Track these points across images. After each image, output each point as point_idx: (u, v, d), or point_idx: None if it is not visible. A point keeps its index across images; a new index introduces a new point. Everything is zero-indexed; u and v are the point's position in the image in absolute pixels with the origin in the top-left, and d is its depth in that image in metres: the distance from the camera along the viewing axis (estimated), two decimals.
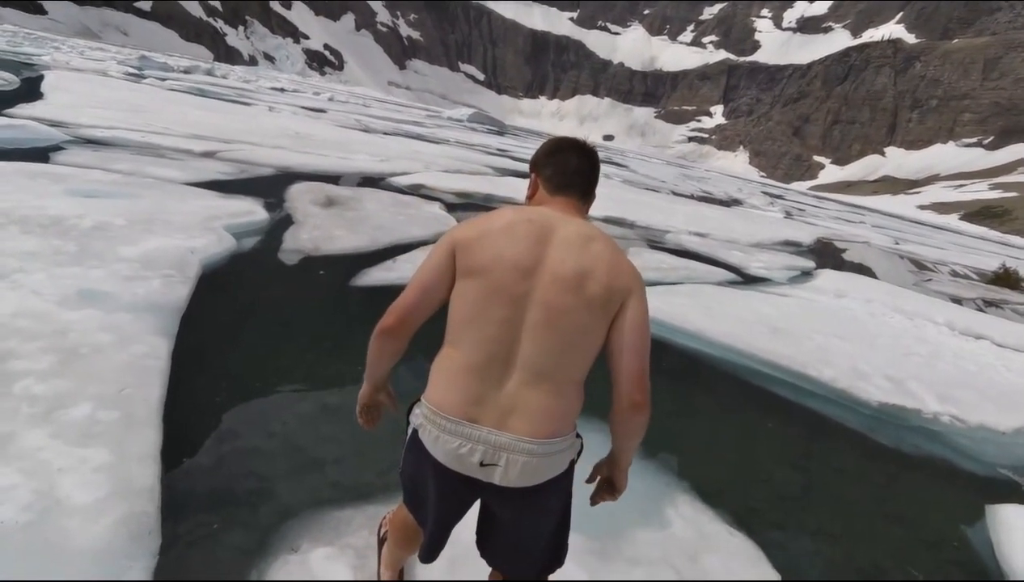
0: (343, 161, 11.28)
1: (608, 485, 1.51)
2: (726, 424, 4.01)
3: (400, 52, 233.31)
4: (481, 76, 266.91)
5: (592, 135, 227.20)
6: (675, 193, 23.92)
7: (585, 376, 1.36)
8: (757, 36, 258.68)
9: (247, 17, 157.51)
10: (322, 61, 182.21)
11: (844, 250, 15.89)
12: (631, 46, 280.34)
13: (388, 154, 14.08)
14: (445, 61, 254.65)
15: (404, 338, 1.40)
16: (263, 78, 61.76)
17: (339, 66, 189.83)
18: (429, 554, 1.49)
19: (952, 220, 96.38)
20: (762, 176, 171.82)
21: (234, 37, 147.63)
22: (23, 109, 9.69)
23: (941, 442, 4.25)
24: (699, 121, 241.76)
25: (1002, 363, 6.29)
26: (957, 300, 11.19)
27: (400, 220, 7.08)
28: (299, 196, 7.28)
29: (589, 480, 1.53)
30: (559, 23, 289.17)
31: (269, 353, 3.45)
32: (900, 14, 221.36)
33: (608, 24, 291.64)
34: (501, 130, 55.90)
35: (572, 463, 1.41)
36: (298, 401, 2.96)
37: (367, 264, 5.21)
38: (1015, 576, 2.82)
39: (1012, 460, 4.17)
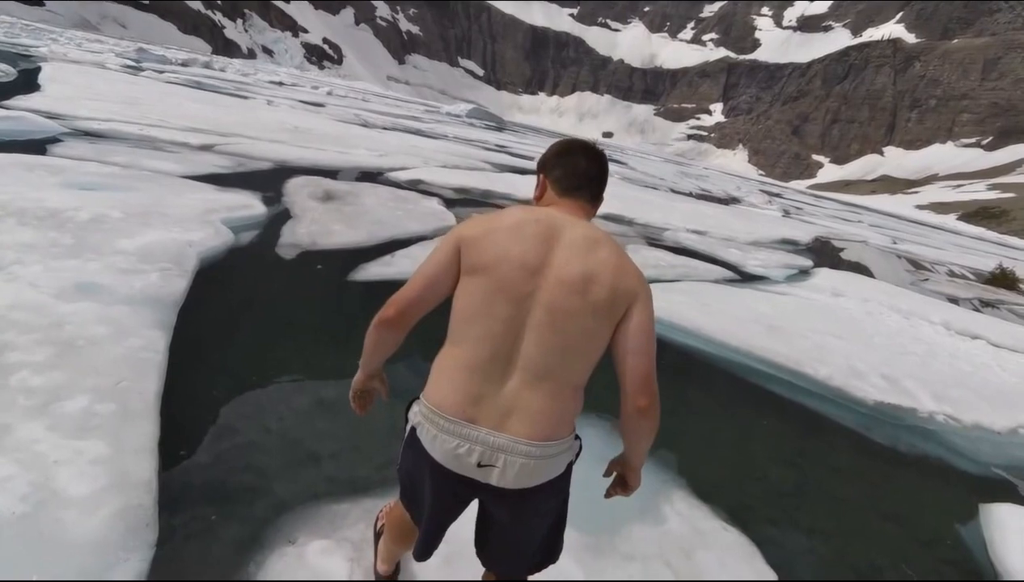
0: (341, 156, 11.26)
1: (622, 481, 1.52)
2: (722, 421, 4.03)
3: (399, 47, 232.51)
4: (480, 72, 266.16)
5: (591, 132, 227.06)
6: (674, 191, 23.92)
7: (586, 380, 1.35)
8: (757, 34, 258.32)
9: (246, 10, 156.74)
10: (321, 55, 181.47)
11: (842, 249, 15.91)
12: (631, 43, 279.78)
13: (387, 149, 14.05)
14: (444, 56, 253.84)
15: (402, 330, 1.40)
16: (261, 72, 61.51)
17: (338, 60, 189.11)
18: (424, 552, 1.50)
19: (950, 220, 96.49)
20: (761, 174, 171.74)
21: (232, 30, 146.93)
22: (20, 101, 9.65)
23: (936, 441, 4.27)
24: (698, 119, 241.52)
25: (997, 363, 6.33)
26: (954, 300, 11.23)
27: (398, 215, 7.07)
28: (297, 190, 7.26)
29: (606, 474, 1.55)
30: (559, 19, 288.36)
31: (266, 347, 3.45)
32: (900, 14, 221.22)
33: (608, 21, 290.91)
34: (500, 126, 55.80)
35: (570, 465, 1.41)
36: (295, 395, 2.96)
37: (365, 259, 5.20)
38: (1009, 576, 2.84)
39: (1006, 460, 4.20)
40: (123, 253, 3.76)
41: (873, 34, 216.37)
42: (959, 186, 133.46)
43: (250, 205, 5.94)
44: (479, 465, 1.27)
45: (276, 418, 2.72)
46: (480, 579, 1.67)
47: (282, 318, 3.91)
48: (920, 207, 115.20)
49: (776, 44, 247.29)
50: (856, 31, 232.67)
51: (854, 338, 5.94)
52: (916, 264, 16.95)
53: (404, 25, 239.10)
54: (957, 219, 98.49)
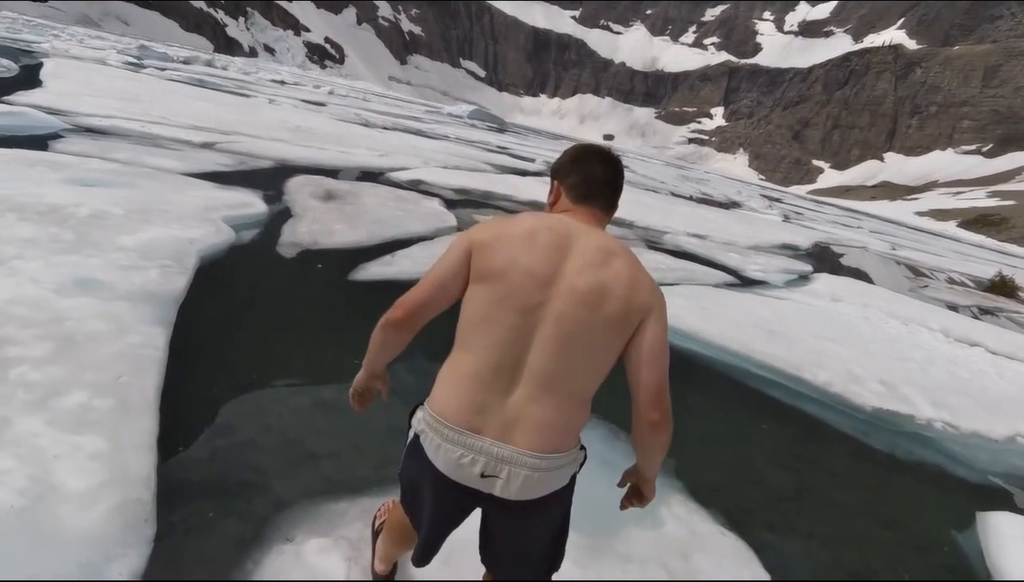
0: (342, 155, 11.27)
1: (637, 492, 1.49)
2: (720, 425, 4.03)
3: (401, 47, 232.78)
4: (482, 73, 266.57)
5: (592, 134, 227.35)
6: (674, 194, 23.95)
7: (593, 392, 1.34)
8: (759, 39, 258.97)
9: (248, 8, 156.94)
10: (323, 54, 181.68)
11: (841, 255, 15.93)
12: (633, 46, 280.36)
13: (388, 149, 14.06)
14: (446, 57, 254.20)
15: (409, 332, 1.38)
16: (263, 70, 61.55)
17: (340, 60, 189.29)
18: (422, 558, 1.49)
19: (950, 227, 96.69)
20: (761, 179, 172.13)
21: (234, 28, 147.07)
22: (22, 96, 9.65)
23: (933, 448, 4.28)
24: (699, 123, 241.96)
25: (996, 370, 6.33)
26: (953, 307, 11.24)
27: (399, 215, 7.07)
28: (298, 189, 7.26)
29: (620, 484, 1.53)
30: (561, 21, 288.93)
31: (266, 346, 3.45)
32: (902, 20, 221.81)
33: (610, 23, 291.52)
34: (501, 127, 55.84)
35: (574, 475, 1.39)
36: (294, 394, 2.96)
37: (365, 258, 5.20)
38: None
39: (1003, 467, 4.20)
40: (124, 249, 3.76)
41: (874, 40, 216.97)
42: (959, 193, 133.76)
43: (251, 203, 5.94)
44: (483, 476, 1.26)
45: (275, 416, 2.72)
46: (480, 580, 1.67)
47: (282, 317, 3.91)
48: (920, 214, 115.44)
49: (777, 49, 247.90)
50: (857, 37, 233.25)
51: (853, 344, 5.95)
52: (915, 271, 16.98)
53: (406, 25, 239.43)
54: (957, 226, 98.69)
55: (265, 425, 2.64)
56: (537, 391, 1.25)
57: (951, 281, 16.91)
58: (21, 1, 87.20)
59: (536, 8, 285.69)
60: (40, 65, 16.30)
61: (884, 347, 6.16)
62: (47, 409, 2.11)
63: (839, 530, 3.04)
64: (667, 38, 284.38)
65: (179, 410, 2.49)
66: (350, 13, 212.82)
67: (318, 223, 5.92)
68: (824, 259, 14.22)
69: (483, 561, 1.51)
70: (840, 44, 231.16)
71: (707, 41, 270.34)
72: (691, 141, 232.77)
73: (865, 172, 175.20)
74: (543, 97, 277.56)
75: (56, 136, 7.41)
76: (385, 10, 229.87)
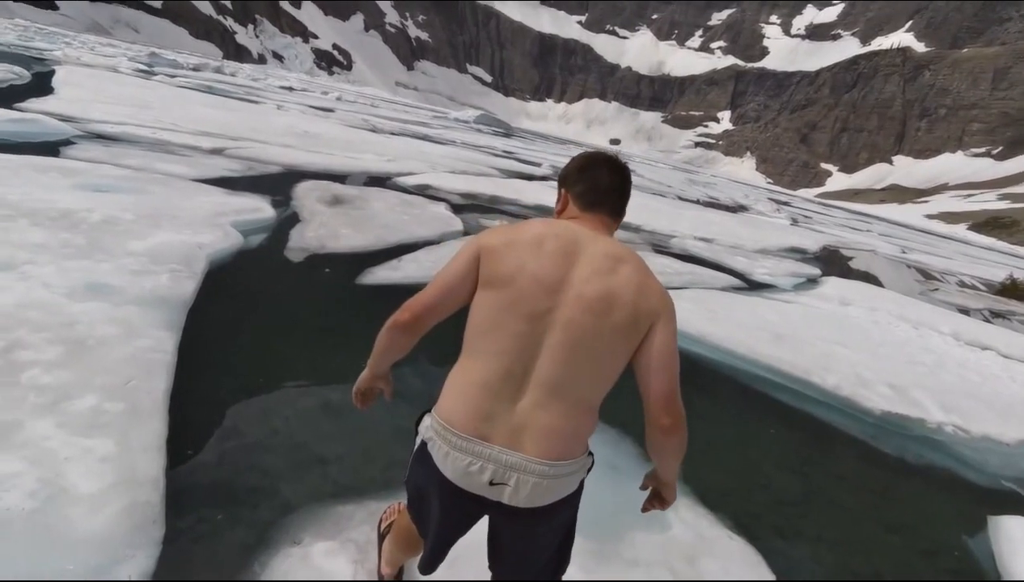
0: (350, 160, 11.32)
1: (658, 496, 1.50)
2: (727, 429, 4.01)
3: (408, 53, 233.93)
4: (489, 78, 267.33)
5: (599, 139, 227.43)
6: (681, 198, 23.90)
7: (602, 399, 1.34)
8: (765, 42, 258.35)
9: (256, 16, 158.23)
10: (330, 61, 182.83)
11: (850, 258, 15.84)
12: (639, 50, 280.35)
13: (395, 154, 14.12)
14: (453, 63, 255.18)
15: (415, 335, 1.38)
16: (272, 77, 62.01)
17: (347, 66, 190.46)
18: (429, 566, 1.49)
19: (960, 230, 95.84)
20: (769, 182, 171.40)
21: (243, 35, 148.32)
22: (34, 103, 9.78)
23: (944, 452, 4.24)
24: (706, 126, 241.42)
25: (1007, 374, 6.27)
26: (964, 310, 11.15)
27: (405, 220, 7.10)
28: (306, 194, 7.31)
29: (642, 488, 1.53)
30: (567, 26, 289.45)
31: (274, 349, 3.47)
32: (909, 22, 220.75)
33: (616, 28, 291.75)
34: (508, 132, 55.97)
35: (582, 482, 1.39)
36: (301, 398, 2.98)
37: (372, 263, 5.23)
38: None
39: (1016, 471, 4.16)
40: (134, 254, 3.80)
41: (882, 43, 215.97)
42: (969, 196, 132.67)
43: (259, 208, 5.99)
44: (491, 483, 1.25)
45: (282, 420, 2.74)
46: (486, 580, 1.67)
47: (289, 320, 3.94)
48: (930, 217, 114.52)
49: (784, 52, 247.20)
50: (865, 40, 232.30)
51: (862, 347, 5.91)
52: (925, 274, 16.85)
53: (413, 31, 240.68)
54: (967, 229, 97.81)
55: (272, 428, 2.65)
56: (545, 398, 1.25)
57: (962, 284, 16.77)
58: (34, 9, 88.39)
59: (542, 13, 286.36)
60: (52, 72, 16.50)
61: (893, 351, 6.12)
62: (58, 412, 2.14)
63: (847, 534, 3.02)
64: (673, 42, 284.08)
65: (188, 413, 2.51)
66: (357, 20, 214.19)
67: (325, 228, 5.95)
68: (832, 262, 14.14)
69: (491, 569, 1.51)
70: (848, 47, 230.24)
71: (713, 45, 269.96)
72: (698, 145, 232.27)
73: (874, 175, 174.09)
74: (549, 102, 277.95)
75: (68, 142, 7.50)
76: (392, 16, 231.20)
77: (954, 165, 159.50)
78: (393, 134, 21.73)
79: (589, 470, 1.40)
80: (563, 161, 25.66)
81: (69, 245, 3.68)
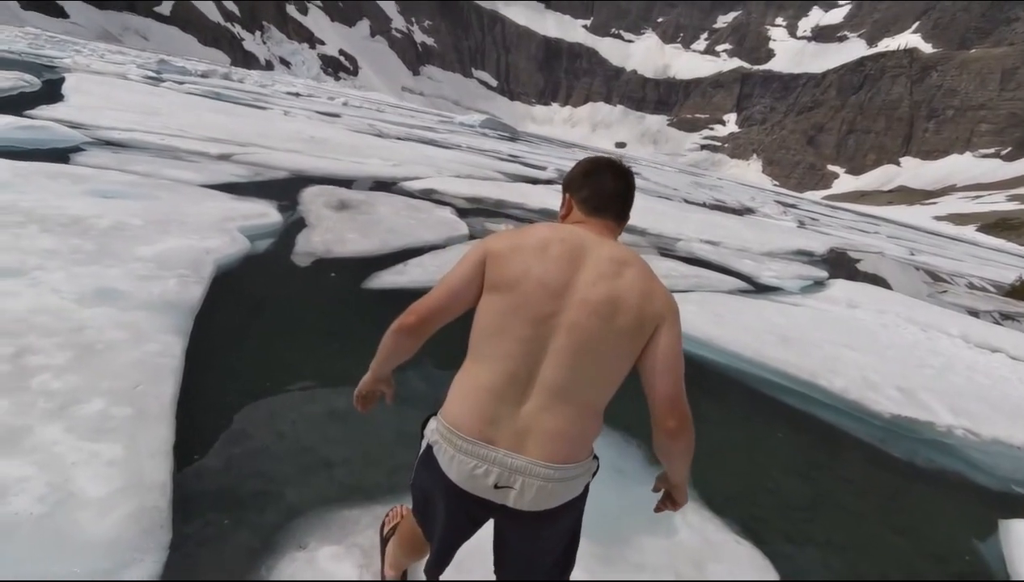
0: (356, 165, 11.38)
1: (670, 497, 1.51)
2: (734, 433, 3.99)
3: (414, 58, 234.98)
4: (494, 82, 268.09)
5: (604, 142, 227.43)
6: (687, 201, 23.85)
7: (606, 403, 1.34)
8: (771, 44, 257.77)
9: (264, 22, 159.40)
10: (337, 66, 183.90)
11: (858, 260, 15.74)
12: (644, 54, 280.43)
13: (401, 159, 14.17)
14: (459, 67, 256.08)
15: (420, 338, 1.39)
16: (279, 83, 62.39)
17: (354, 71, 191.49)
18: (435, 569, 1.49)
19: (969, 231, 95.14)
20: (775, 185, 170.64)
21: (251, 42, 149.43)
22: (44, 111, 9.88)
23: (953, 455, 4.20)
24: (712, 129, 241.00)
25: (1017, 376, 6.21)
26: (973, 312, 11.06)
27: (411, 224, 7.12)
28: (312, 199, 7.35)
29: (655, 489, 1.54)
30: (572, 30, 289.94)
31: (279, 354, 3.49)
32: (916, 23, 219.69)
33: (621, 32, 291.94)
34: (513, 136, 56.06)
35: (587, 485, 1.39)
36: (307, 402, 2.99)
37: (378, 267, 5.25)
38: None
39: None
40: (142, 260, 3.83)
41: (889, 44, 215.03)
42: (978, 197, 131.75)
43: (266, 214, 6.03)
44: (496, 487, 1.26)
45: (289, 424, 2.75)
46: (491, 580, 1.67)
47: (296, 325, 3.96)
48: (938, 218, 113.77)
49: (790, 54, 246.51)
50: (871, 41, 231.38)
51: (870, 350, 5.87)
52: (934, 276, 16.73)
53: (419, 37, 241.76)
54: (976, 230, 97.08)
55: (278, 432, 2.66)
56: (550, 401, 1.26)
57: (971, 286, 16.64)
58: (44, 17, 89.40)
59: (548, 17, 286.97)
60: (62, 80, 16.68)
61: (902, 353, 6.07)
62: (66, 417, 2.15)
63: (856, 538, 3.00)
64: (678, 45, 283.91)
65: (195, 418, 2.53)
66: (364, 26, 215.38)
67: (332, 232, 5.98)
68: (840, 265, 14.06)
69: (496, 572, 1.51)
70: (854, 49, 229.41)
71: (719, 48, 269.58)
72: (704, 148, 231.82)
73: (881, 177, 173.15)
74: (555, 106, 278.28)
75: (77, 149, 7.58)
76: (398, 22, 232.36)
77: (962, 166, 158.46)
78: (399, 139, 21.82)
79: (594, 474, 1.41)
80: (568, 165, 25.67)
81: (78, 251, 3.72)
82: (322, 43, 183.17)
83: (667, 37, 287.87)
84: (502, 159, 22.67)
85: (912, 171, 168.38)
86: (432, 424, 1.38)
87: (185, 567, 1.84)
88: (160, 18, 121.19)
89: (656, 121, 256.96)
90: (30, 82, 14.10)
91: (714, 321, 5.52)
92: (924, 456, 4.14)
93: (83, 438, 2.07)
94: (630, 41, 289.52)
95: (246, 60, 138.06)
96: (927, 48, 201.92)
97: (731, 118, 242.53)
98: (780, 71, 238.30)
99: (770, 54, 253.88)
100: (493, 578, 1.62)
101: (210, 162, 8.49)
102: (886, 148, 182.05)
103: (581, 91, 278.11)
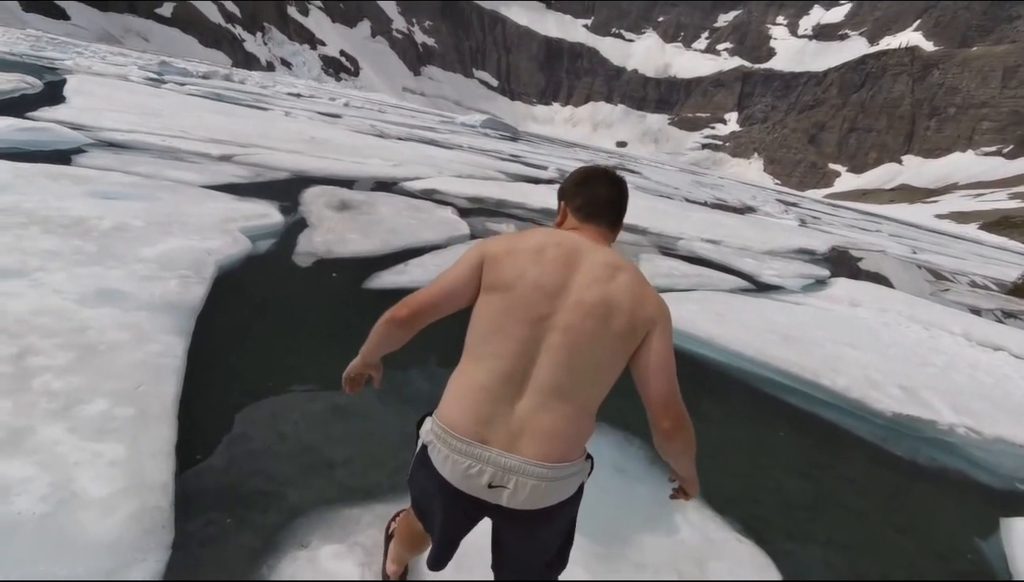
0: (357, 166, 11.39)
1: (681, 487, 1.54)
2: (736, 432, 3.99)
3: (415, 58, 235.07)
4: (495, 82, 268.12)
5: (605, 142, 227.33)
6: (688, 200, 23.83)
7: (599, 403, 1.36)
8: (772, 43, 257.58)
9: (265, 24, 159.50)
10: (338, 67, 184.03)
11: (859, 259, 15.72)
12: (645, 53, 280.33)
13: (402, 159, 14.18)
14: (459, 67, 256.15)
15: (411, 331, 1.42)
16: (280, 84, 62.48)
17: (355, 72, 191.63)
18: (437, 563, 1.51)
19: (971, 230, 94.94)
20: (777, 184, 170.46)
21: (252, 43, 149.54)
22: (46, 112, 9.90)
23: (956, 454, 4.19)
24: (713, 128, 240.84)
25: (1020, 375, 6.20)
26: (975, 310, 11.04)
27: (412, 224, 7.13)
28: (313, 200, 7.35)
29: (671, 480, 1.56)
30: (573, 30, 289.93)
31: (282, 354, 3.49)
32: (918, 21, 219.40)
33: (622, 31, 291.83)
34: (514, 136, 56.08)
35: (581, 485, 1.41)
36: (309, 402, 2.99)
37: (379, 267, 5.25)
38: None
39: None
40: (144, 260, 3.84)
41: (890, 42, 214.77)
42: (980, 195, 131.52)
43: (267, 214, 6.03)
44: (490, 486, 1.27)
45: (290, 423, 2.75)
46: (490, 580, 1.68)
47: (297, 325, 3.96)
48: (940, 216, 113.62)
49: (791, 53, 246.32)
50: (873, 39, 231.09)
51: (872, 349, 5.86)
52: (936, 274, 16.70)
53: (420, 37, 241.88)
54: (978, 229, 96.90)
55: (280, 432, 2.67)
56: (544, 401, 1.27)
57: (973, 284, 16.61)
58: (46, 19, 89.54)
59: (548, 17, 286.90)
60: (63, 81, 16.72)
61: (904, 352, 6.07)
62: (69, 417, 2.16)
63: (858, 538, 3.00)
64: (679, 44, 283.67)
65: (196, 418, 2.53)
66: (365, 26, 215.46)
67: (333, 233, 5.98)
68: (842, 263, 14.04)
69: (493, 569, 1.53)
70: (855, 47, 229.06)
71: (720, 46, 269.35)
72: (705, 147, 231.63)
73: (883, 175, 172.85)
74: (556, 105, 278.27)
75: (79, 150, 7.59)
76: (399, 23, 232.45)
77: (964, 164, 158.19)
78: (400, 139, 21.84)
79: (589, 473, 1.43)
80: (569, 164, 25.67)
81: (80, 252, 3.73)
82: (323, 44, 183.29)
83: (668, 36, 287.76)
84: (503, 159, 22.68)
85: (914, 169, 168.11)
86: (427, 424, 1.39)
87: (187, 567, 1.84)
88: (161, 20, 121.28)
89: (657, 120, 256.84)
90: (32, 84, 14.12)
91: (715, 320, 5.52)
92: (926, 455, 4.14)
93: (85, 438, 2.07)
94: (631, 40, 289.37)
95: (247, 61, 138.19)
96: (928, 46, 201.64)
97: (732, 117, 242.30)
98: (781, 70, 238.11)
99: (771, 53, 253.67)
100: (492, 577, 1.64)
101: (211, 163, 8.50)
102: (888, 146, 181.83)
103: (582, 91, 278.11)
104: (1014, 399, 5.29)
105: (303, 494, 2.30)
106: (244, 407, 2.79)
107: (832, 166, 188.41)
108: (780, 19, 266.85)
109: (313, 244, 5.55)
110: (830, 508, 3.26)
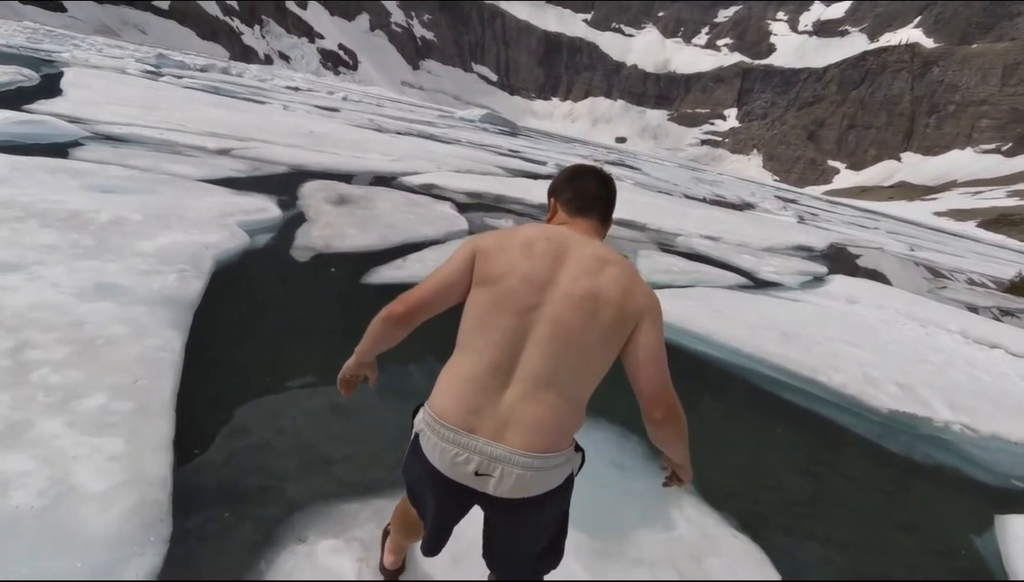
0: (356, 160, 11.35)
1: (675, 474, 1.55)
2: (734, 428, 4.00)
3: (414, 52, 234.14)
4: (494, 77, 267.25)
5: (604, 137, 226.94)
6: (687, 196, 23.82)
7: (588, 395, 1.37)
8: (772, 39, 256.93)
9: (263, 16, 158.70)
10: (336, 61, 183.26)
11: (858, 256, 15.75)
12: (645, 48, 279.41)
13: (400, 153, 14.15)
14: (459, 62, 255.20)
15: (407, 328, 1.43)
16: (278, 77, 62.22)
17: (353, 66, 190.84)
18: (431, 549, 1.53)
19: (969, 227, 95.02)
20: (776, 180, 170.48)
21: (250, 36, 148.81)
22: (43, 105, 9.85)
23: (952, 451, 4.21)
24: (712, 124, 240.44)
25: (1016, 373, 6.22)
26: (972, 308, 11.07)
27: (411, 219, 7.11)
28: (312, 194, 7.34)
29: (663, 467, 1.58)
30: (573, 24, 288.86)
31: (280, 349, 3.49)
32: (918, 18, 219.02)
33: (622, 26, 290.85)
34: (513, 131, 55.95)
35: (571, 477, 1.42)
36: (307, 397, 2.99)
37: (377, 262, 5.25)
38: None
39: None
40: (142, 254, 3.83)
41: (891, 39, 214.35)
42: (978, 193, 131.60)
43: (265, 208, 6.02)
44: (476, 474, 1.29)
45: (288, 418, 2.75)
46: (485, 580, 1.68)
47: (295, 320, 3.96)
48: (939, 214, 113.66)
49: (792, 49, 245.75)
50: (873, 36, 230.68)
51: (869, 346, 5.88)
52: (934, 272, 16.73)
53: (419, 31, 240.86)
54: (976, 226, 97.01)
55: (278, 427, 2.67)
56: (530, 390, 1.29)
57: (971, 282, 16.64)
58: (42, 11, 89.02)
59: (548, 12, 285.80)
60: (60, 74, 16.63)
61: (901, 349, 6.08)
62: (67, 411, 2.16)
63: (855, 534, 3.01)
64: (679, 40, 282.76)
65: (195, 412, 2.53)
66: (363, 20, 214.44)
67: (331, 227, 5.97)
68: (840, 260, 14.06)
69: (484, 558, 1.56)
70: (855, 43, 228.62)
71: (720, 42, 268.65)
72: (704, 143, 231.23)
73: (882, 172, 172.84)
74: (555, 100, 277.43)
75: (76, 144, 7.56)
76: (398, 16, 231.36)
77: (963, 162, 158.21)
78: (399, 133, 21.78)
79: (580, 466, 1.45)
80: (568, 160, 25.62)
81: (78, 246, 3.71)
82: (321, 37, 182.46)
83: (668, 32, 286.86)
84: (502, 154, 22.63)
85: (913, 166, 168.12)
86: (420, 414, 1.42)
87: (185, 561, 1.84)
88: (158, 12, 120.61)
89: (656, 116, 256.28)
90: (28, 76, 14.04)
91: (714, 317, 5.52)
92: (923, 452, 4.15)
93: (84, 432, 2.07)
94: (631, 36, 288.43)
95: (245, 54, 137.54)
96: (929, 43, 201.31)
97: (732, 113, 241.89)
98: (781, 66, 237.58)
99: (771, 49, 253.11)
100: (483, 564, 1.65)
101: (209, 157, 8.47)
102: (887, 143, 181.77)
103: (581, 86, 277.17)
104: (1010, 397, 5.31)
105: (301, 489, 2.30)
106: (242, 402, 2.79)
107: (831, 163, 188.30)
108: (780, 15, 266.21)
109: (311, 238, 5.54)
110: (827, 504, 3.27)
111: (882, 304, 8.30)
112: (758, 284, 8.39)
